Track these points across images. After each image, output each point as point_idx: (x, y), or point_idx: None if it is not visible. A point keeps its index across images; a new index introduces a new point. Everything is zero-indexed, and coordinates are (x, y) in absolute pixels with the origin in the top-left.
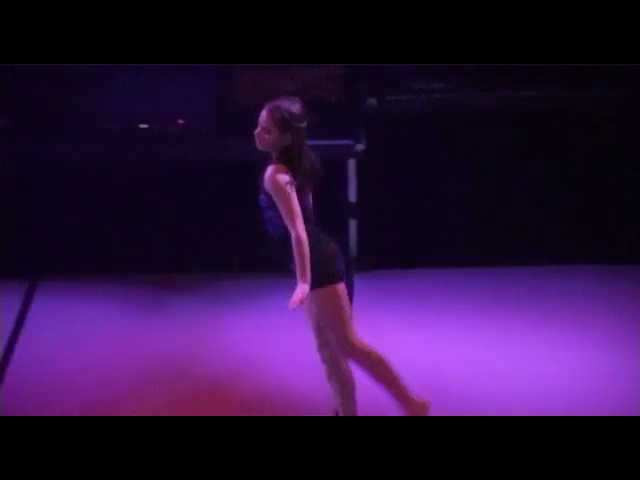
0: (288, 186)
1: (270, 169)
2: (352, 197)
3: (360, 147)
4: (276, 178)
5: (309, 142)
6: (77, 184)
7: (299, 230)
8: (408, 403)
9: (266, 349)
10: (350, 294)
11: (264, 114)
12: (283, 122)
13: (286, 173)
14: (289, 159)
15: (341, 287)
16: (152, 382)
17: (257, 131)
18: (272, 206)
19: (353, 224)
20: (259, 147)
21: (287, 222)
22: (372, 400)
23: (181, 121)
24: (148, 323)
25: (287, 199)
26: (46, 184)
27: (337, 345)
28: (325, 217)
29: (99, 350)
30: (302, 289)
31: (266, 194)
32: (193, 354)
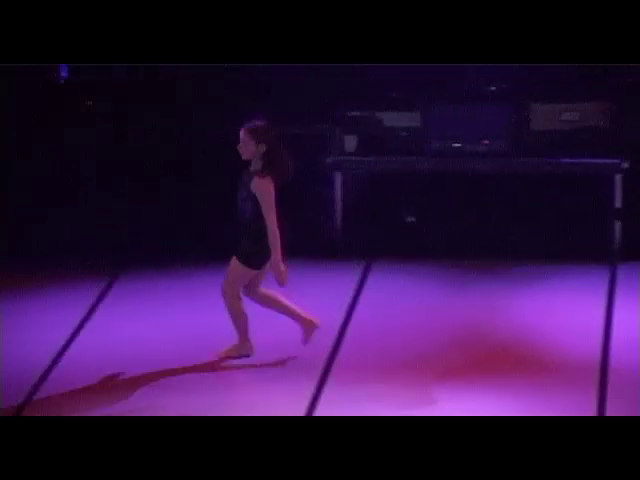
0: (272, 194)
1: (261, 179)
2: (618, 204)
3: (625, 165)
4: (264, 187)
5: (590, 160)
6: (399, 190)
7: (275, 227)
8: (300, 320)
9: (543, 327)
10: (613, 281)
11: (241, 132)
12: (255, 134)
13: (271, 182)
14: (270, 167)
15: (251, 272)
16: (456, 345)
17: (239, 146)
18: (250, 200)
19: (618, 225)
20: (243, 157)
21: (268, 221)
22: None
23: (486, 142)
24: (454, 300)
25: (271, 205)
26: (382, 189)
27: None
28: (596, 219)
29: (416, 319)
30: (274, 265)
31: (248, 191)
32: (485, 325)
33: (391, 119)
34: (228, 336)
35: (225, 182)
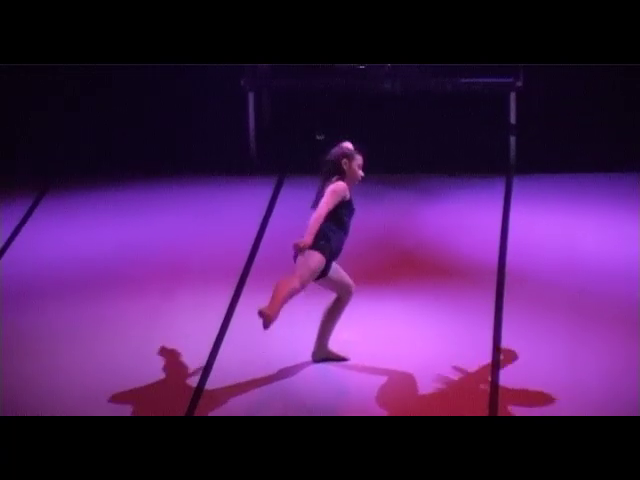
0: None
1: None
2: (513, 120)
3: (519, 84)
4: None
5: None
6: None
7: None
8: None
9: None
10: (509, 192)
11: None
12: None
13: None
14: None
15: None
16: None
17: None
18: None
19: (513, 140)
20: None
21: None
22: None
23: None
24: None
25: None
26: None
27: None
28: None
29: None
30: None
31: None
32: (395, 232)
33: None
34: None
35: None
